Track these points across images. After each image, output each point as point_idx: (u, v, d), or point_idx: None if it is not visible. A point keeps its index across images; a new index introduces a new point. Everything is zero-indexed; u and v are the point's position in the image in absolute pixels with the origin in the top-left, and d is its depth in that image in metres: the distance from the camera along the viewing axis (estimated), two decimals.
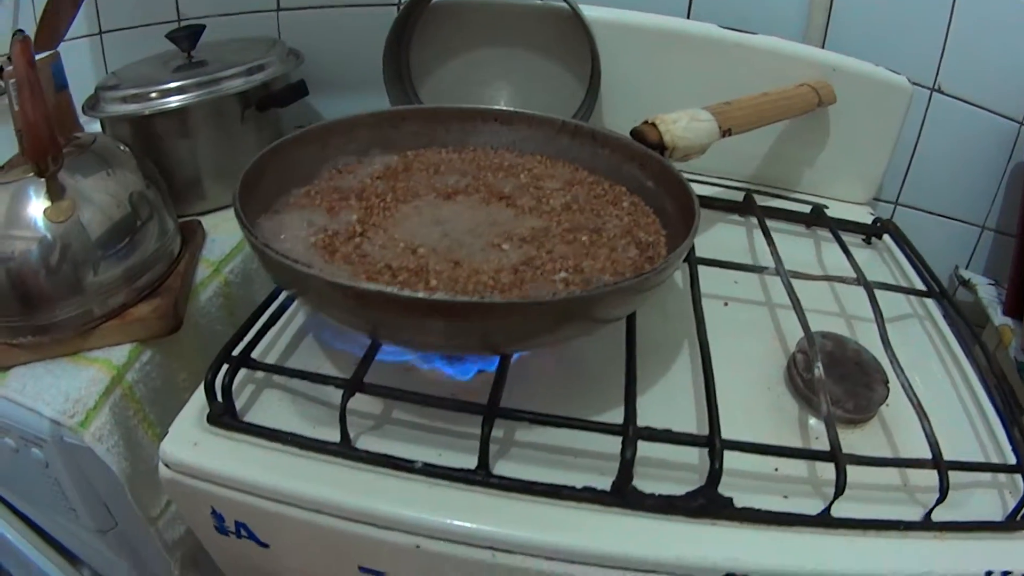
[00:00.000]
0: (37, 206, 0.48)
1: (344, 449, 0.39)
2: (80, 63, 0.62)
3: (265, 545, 0.42)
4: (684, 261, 0.53)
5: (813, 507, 0.37)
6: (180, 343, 0.54)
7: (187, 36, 0.63)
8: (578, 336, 0.40)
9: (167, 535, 0.54)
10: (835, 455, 0.37)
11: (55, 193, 0.49)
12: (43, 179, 0.49)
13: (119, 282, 0.51)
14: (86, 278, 0.49)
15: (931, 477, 0.38)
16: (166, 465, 0.41)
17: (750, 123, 0.56)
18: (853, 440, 0.43)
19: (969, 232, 0.76)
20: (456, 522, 0.36)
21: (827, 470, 0.39)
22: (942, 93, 0.68)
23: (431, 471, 0.38)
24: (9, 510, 0.67)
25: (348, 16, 0.74)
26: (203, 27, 0.64)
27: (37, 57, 0.51)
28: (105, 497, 0.53)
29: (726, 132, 0.54)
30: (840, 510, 0.37)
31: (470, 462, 0.38)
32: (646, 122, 0.51)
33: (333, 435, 0.39)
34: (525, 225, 0.46)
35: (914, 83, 0.65)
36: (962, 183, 0.73)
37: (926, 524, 0.37)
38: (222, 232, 0.63)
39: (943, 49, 0.66)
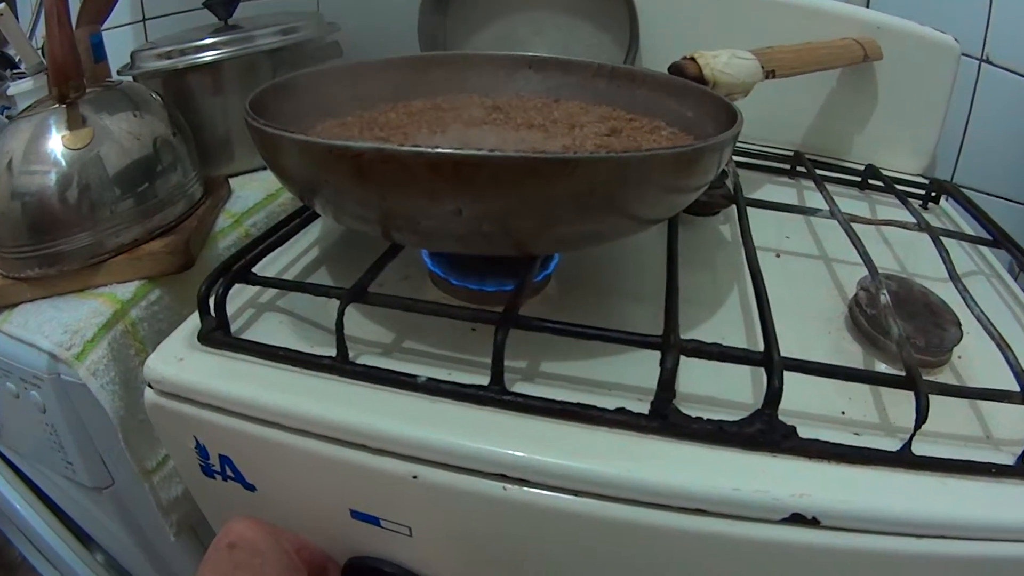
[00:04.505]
0: (56, 138, 0.45)
1: (339, 363, 0.32)
2: (124, 49, 0.60)
3: (251, 487, 0.35)
4: (731, 203, 0.46)
5: (889, 447, 0.29)
6: (191, 287, 0.48)
7: (223, 2, 0.60)
8: (609, 232, 0.32)
9: (163, 493, 0.47)
10: (913, 379, 0.29)
11: (75, 120, 0.45)
12: (64, 107, 0.45)
13: (133, 218, 0.46)
14: (99, 211, 0.45)
15: (1017, 424, 0.29)
16: (149, 385, 0.34)
17: (794, 67, 0.49)
18: None
19: None
20: (460, 441, 0.28)
21: (900, 415, 0.31)
22: (991, 64, 0.60)
23: (435, 388, 0.30)
24: (21, 479, 0.62)
25: None
26: None
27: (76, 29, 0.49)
28: (101, 449, 0.47)
29: (769, 73, 0.47)
30: (921, 451, 0.28)
31: (482, 383, 0.31)
32: (685, 57, 0.45)
33: (330, 353, 0.32)
34: (556, 143, 0.40)
35: (962, 54, 0.57)
36: (1020, 161, 0.64)
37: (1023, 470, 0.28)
38: (248, 190, 0.59)
39: (989, 15, 0.58)
